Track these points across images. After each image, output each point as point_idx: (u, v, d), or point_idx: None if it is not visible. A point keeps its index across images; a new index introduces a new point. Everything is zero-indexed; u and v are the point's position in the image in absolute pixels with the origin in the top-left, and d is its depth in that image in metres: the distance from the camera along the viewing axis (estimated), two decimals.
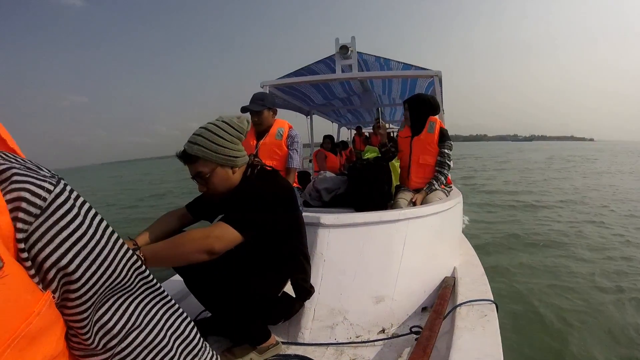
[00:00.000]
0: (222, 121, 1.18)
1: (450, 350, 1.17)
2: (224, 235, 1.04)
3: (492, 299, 1.51)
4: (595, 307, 3.06)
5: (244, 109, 2.22)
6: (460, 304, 1.47)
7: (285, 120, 2.42)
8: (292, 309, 1.37)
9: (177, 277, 1.47)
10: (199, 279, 1.16)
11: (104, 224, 0.43)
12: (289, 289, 1.37)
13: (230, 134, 1.17)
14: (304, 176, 3.70)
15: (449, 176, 2.53)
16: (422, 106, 2.42)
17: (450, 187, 2.53)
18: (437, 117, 2.45)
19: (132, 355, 0.46)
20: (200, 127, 1.17)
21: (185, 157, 1.16)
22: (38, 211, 0.36)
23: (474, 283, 1.71)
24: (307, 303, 1.45)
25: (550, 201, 8.26)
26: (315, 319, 1.46)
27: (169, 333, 0.50)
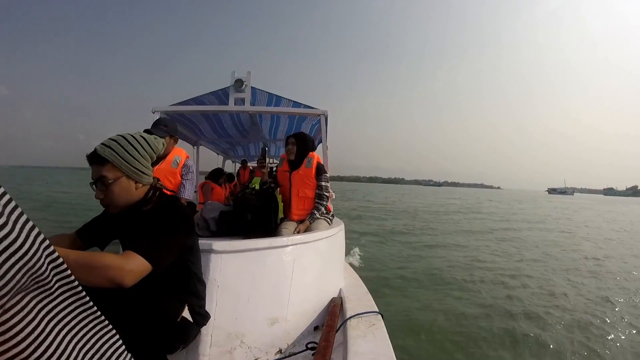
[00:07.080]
0: (141, 136, 1.18)
1: (347, 356, 1.28)
2: (137, 269, 0.98)
3: (378, 310, 1.68)
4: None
5: (147, 132, 2.13)
6: (350, 317, 1.61)
7: (183, 150, 2.41)
8: (189, 335, 1.32)
9: None
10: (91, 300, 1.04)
11: (29, 224, 0.43)
12: (186, 315, 1.32)
13: (144, 150, 1.17)
14: (189, 207, 3.55)
15: (330, 205, 2.75)
16: (306, 142, 2.63)
17: (332, 215, 2.75)
18: (314, 152, 2.69)
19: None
20: (118, 135, 1.15)
21: (94, 157, 1.10)
22: None
23: (360, 300, 1.89)
24: (204, 329, 1.42)
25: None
26: (213, 344, 1.44)
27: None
